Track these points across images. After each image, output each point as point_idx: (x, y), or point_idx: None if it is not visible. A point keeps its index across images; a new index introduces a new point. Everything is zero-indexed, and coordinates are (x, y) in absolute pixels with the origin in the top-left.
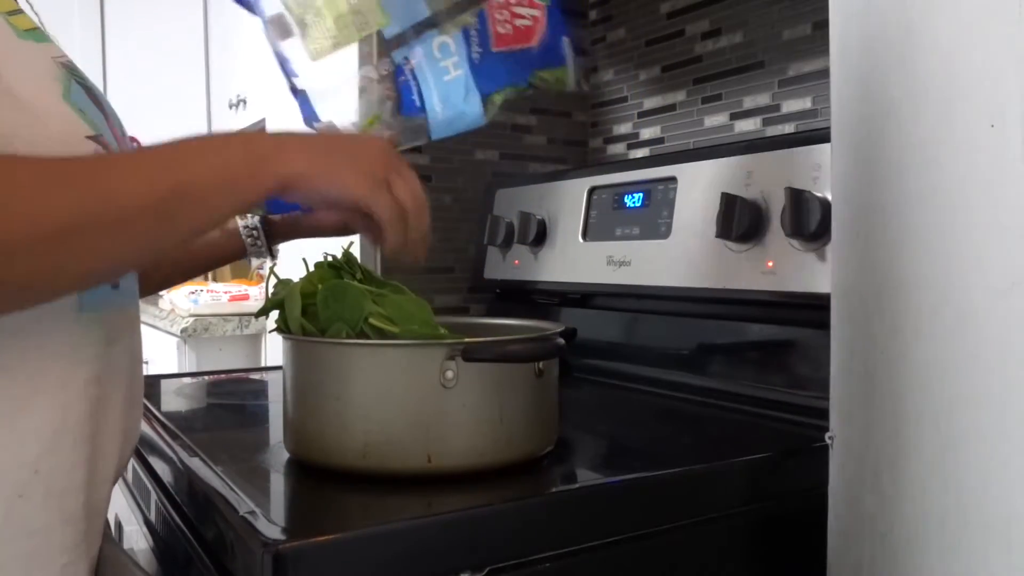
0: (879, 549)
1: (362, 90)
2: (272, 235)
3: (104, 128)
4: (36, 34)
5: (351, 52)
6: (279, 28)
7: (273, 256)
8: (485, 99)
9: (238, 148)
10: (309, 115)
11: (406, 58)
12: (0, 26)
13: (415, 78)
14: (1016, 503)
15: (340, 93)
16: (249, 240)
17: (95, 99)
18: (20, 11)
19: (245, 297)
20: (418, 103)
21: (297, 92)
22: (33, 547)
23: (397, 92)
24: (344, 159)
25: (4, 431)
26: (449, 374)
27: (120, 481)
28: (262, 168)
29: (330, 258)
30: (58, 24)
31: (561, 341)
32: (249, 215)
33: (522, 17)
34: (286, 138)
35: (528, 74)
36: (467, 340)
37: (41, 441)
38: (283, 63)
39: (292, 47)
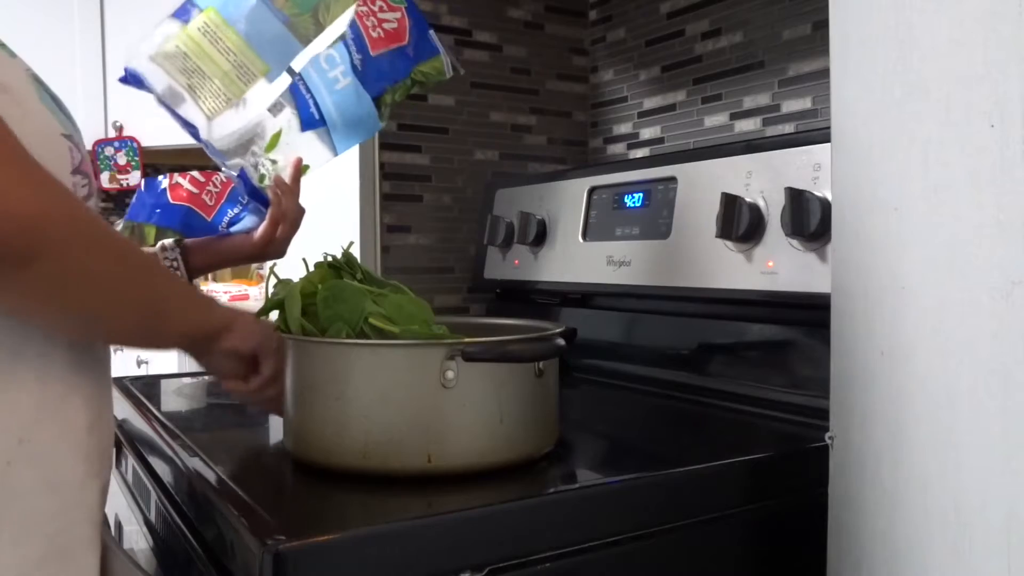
0: (879, 549)
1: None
2: (190, 266)
3: (73, 130)
4: (7, 48)
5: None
6: (171, 98)
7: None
8: (377, 101)
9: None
10: (219, 159)
11: (298, 75)
12: None
13: (309, 92)
14: (1016, 503)
15: (242, 134)
16: (170, 267)
17: (60, 106)
18: None
19: (245, 297)
20: (316, 116)
21: (203, 143)
22: (21, 512)
23: (296, 109)
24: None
25: None
26: (449, 374)
27: (120, 481)
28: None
29: (330, 258)
30: (58, 24)
31: (561, 341)
32: (168, 240)
33: (388, 21)
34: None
35: (409, 70)
36: (467, 340)
37: (24, 412)
38: (185, 126)
39: (188, 110)
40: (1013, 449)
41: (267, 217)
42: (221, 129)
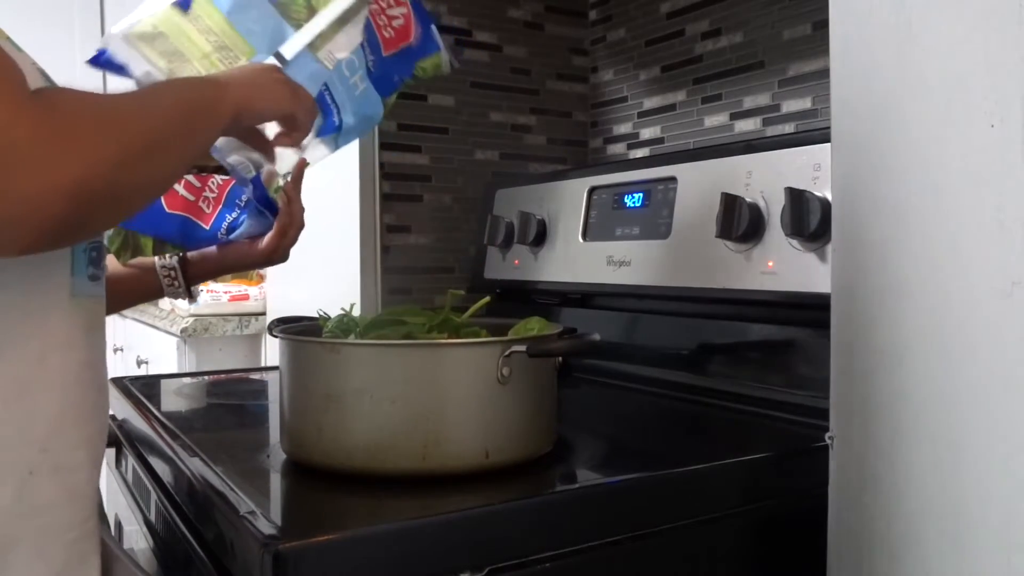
0: (879, 549)
1: None
2: (189, 276)
3: None
4: (12, 42)
5: None
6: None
7: (192, 297)
8: (384, 101)
9: (210, 85)
10: (218, 156)
11: (326, 85)
12: None
13: (334, 102)
14: (1015, 503)
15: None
16: (166, 280)
17: None
18: None
19: (245, 297)
20: (336, 122)
21: None
22: (43, 523)
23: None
24: (268, 83)
25: (14, 411)
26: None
27: (120, 481)
28: (224, 101)
29: None
30: (58, 24)
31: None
32: (167, 255)
33: (396, 17)
34: (230, 77)
35: (412, 67)
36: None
37: (47, 421)
38: None
39: None
40: (1013, 449)
41: (275, 225)
42: None
